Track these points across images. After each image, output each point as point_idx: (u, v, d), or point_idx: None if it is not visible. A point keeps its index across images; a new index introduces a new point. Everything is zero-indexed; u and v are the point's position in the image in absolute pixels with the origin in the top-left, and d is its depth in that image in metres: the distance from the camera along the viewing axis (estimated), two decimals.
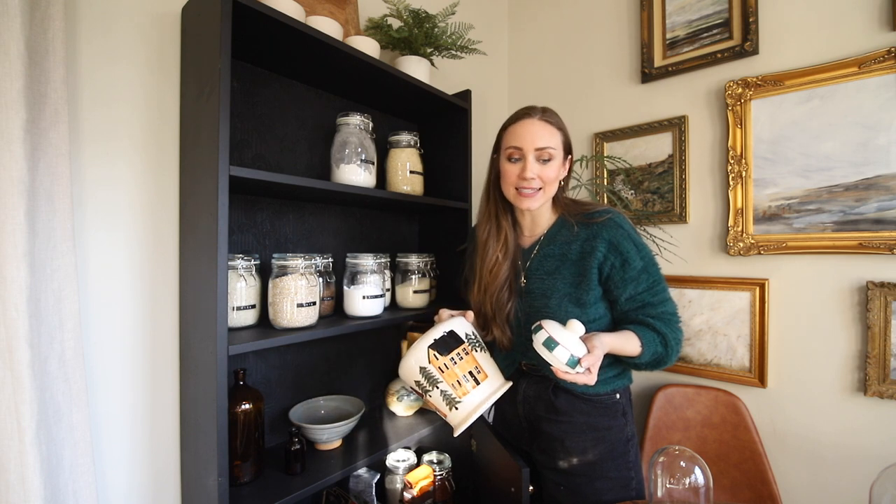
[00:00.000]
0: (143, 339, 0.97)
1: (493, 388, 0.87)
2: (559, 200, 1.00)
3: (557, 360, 0.76)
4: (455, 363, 0.86)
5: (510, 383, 0.90)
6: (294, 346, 1.23)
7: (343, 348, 1.35)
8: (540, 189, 0.93)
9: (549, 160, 0.92)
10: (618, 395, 0.97)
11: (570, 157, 0.99)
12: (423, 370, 0.85)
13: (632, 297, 0.90)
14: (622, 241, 0.89)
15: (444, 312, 0.98)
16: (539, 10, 1.97)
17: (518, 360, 1.03)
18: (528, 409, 1.02)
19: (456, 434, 0.87)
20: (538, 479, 1.01)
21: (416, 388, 0.88)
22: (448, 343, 0.87)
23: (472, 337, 0.92)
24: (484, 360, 0.89)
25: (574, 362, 0.75)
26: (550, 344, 0.76)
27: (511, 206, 1.01)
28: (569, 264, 0.94)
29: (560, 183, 0.98)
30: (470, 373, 0.86)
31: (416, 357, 0.86)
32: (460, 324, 0.92)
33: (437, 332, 0.88)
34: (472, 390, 0.84)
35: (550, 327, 0.78)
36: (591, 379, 0.77)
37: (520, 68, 2.06)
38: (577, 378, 0.77)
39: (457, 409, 0.83)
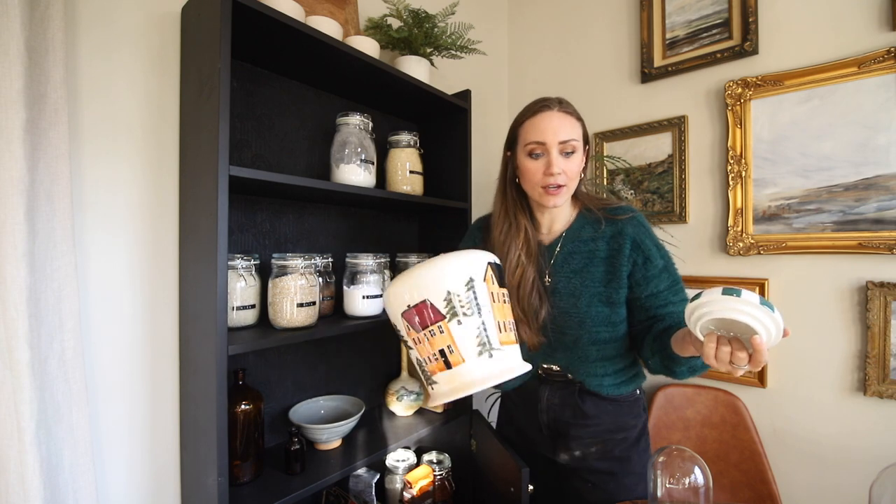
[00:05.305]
0: (143, 338, 0.97)
1: (519, 360, 0.67)
2: (578, 194, 0.98)
3: (777, 326, 0.60)
4: (505, 302, 0.66)
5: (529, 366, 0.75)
6: (294, 346, 1.22)
7: (343, 348, 1.35)
8: (565, 185, 0.89)
9: (572, 153, 0.89)
10: (638, 392, 0.99)
11: (587, 147, 0.96)
12: (470, 283, 0.61)
13: (654, 295, 0.89)
14: (645, 240, 0.89)
15: None
16: (539, 10, 1.97)
17: (538, 363, 0.99)
18: (552, 417, 0.98)
19: (446, 399, 0.65)
20: (537, 478, 1.00)
21: (441, 304, 0.62)
22: (502, 275, 0.69)
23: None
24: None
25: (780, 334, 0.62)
26: (772, 307, 0.58)
27: (527, 202, 0.98)
28: (598, 262, 0.91)
29: (581, 175, 0.95)
30: (513, 322, 0.68)
31: (470, 264, 0.62)
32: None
33: (491, 256, 0.69)
34: (513, 343, 0.63)
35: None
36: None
37: (519, 68, 2.05)
38: (764, 355, 0.63)
39: (491, 356, 0.60)
